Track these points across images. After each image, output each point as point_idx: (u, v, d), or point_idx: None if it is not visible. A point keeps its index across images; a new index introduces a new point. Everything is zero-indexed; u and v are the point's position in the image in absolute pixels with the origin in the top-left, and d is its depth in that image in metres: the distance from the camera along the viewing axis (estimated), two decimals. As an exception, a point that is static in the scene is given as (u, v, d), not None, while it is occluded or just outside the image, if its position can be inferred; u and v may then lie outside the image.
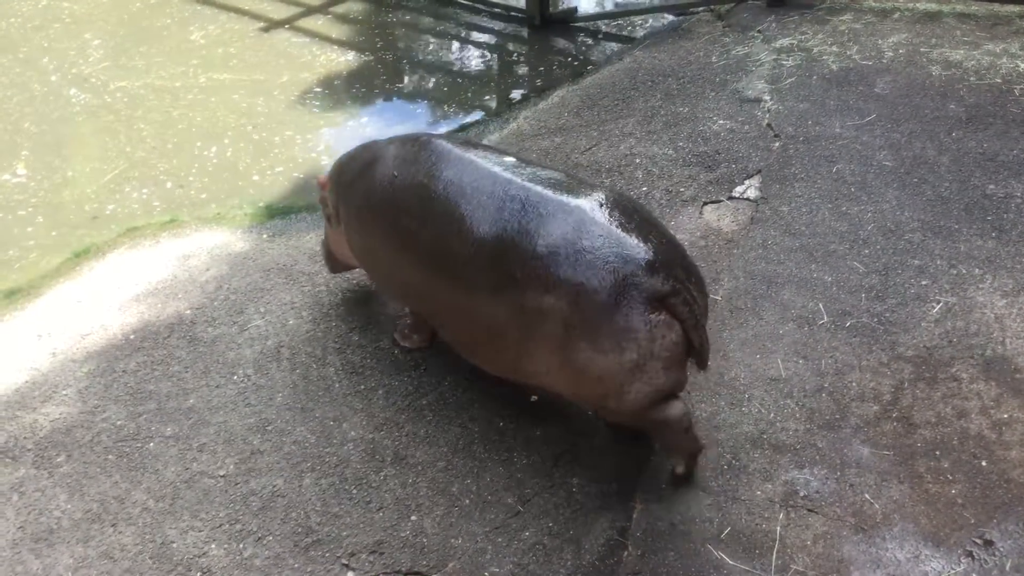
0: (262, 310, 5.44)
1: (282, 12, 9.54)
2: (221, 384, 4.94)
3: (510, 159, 4.33)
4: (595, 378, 3.83)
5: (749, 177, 6.29)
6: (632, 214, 3.92)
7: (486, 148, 4.52)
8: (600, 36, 9.01)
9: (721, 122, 6.93)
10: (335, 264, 5.37)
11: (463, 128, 7.57)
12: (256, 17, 9.47)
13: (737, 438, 4.39)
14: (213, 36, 9.11)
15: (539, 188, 4.00)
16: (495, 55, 8.91)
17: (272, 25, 9.29)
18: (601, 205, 3.89)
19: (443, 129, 7.61)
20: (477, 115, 7.80)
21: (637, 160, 6.56)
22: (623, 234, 3.79)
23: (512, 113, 7.63)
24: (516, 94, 8.11)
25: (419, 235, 4.25)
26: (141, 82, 8.29)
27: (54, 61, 8.76)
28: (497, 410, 4.64)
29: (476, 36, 9.21)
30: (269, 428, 4.66)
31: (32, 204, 6.78)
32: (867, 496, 4.06)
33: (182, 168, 7.13)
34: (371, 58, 8.72)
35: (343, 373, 4.95)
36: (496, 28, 9.24)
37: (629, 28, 9.12)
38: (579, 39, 8.94)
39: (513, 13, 9.34)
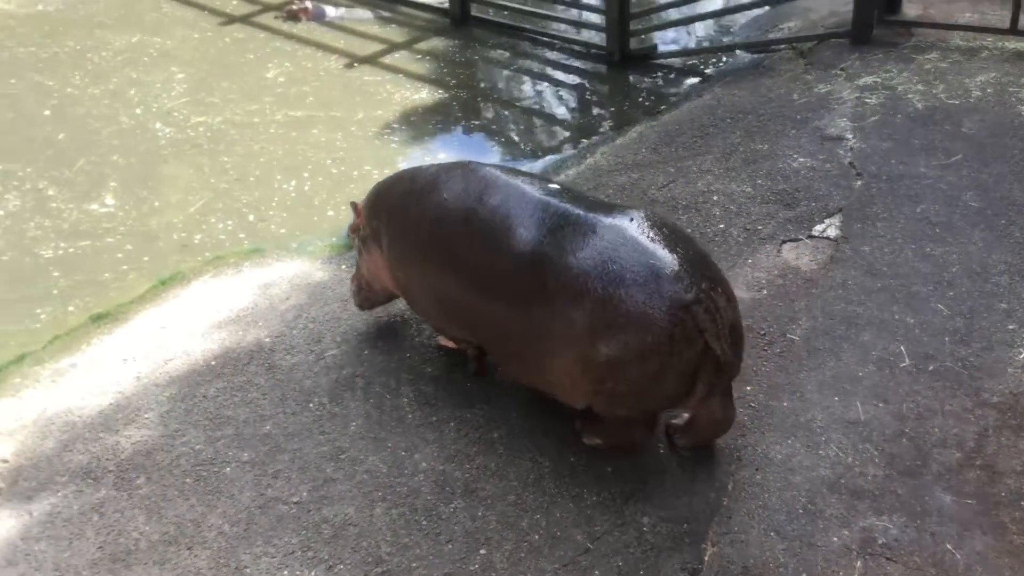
0: (338, 339, 5.52)
1: (366, 49, 9.74)
2: (297, 411, 5.02)
3: (553, 185, 4.61)
4: (615, 385, 4.03)
5: (830, 216, 6.20)
6: (660, 229, 4.12)
7: (529, 175, 4.81)
8: (680, 73, 9.00)
9: (802, 160, 6.85)
10: (369, 296, 5.43)
11: (540, 162, 7.61)
12: (336, 53, 9.68)
13: (813, 482, 4.29)
14: (288, 73, 9.34)
15: (574, 208, 4.26)
16: (573, 91, 8.96)
17: (348, 62, 9.49)
18: (631, 221, 4.12)
19: (522, 164, 7.65)
20: (554, 150, 7.84)
21: (714, 197, 6.51)
22: (649, 247, 4.00)
23: (589, 149, 7.65)
24: (593, 130, 8.14)
25: (465, 256, 4.50)
26: (220, 117, 8.54)
27: (140, 94, 9.09)
28: (568, 445, 4.62)
29: (554, 72, 9.27)
30: (342, 456, 4.71)
31: (120, 232, 7.01)
32: (948, 546, 3.93)
33: (263, 200, 7.31)
34: (448, 94, 8.84)
35: (416, 404, 4.99)
36: (574, 65, 9.30)
37: (709, 65, 9.10)
38: (658, 75, 8.94)
39: (593, 50, 9.39)
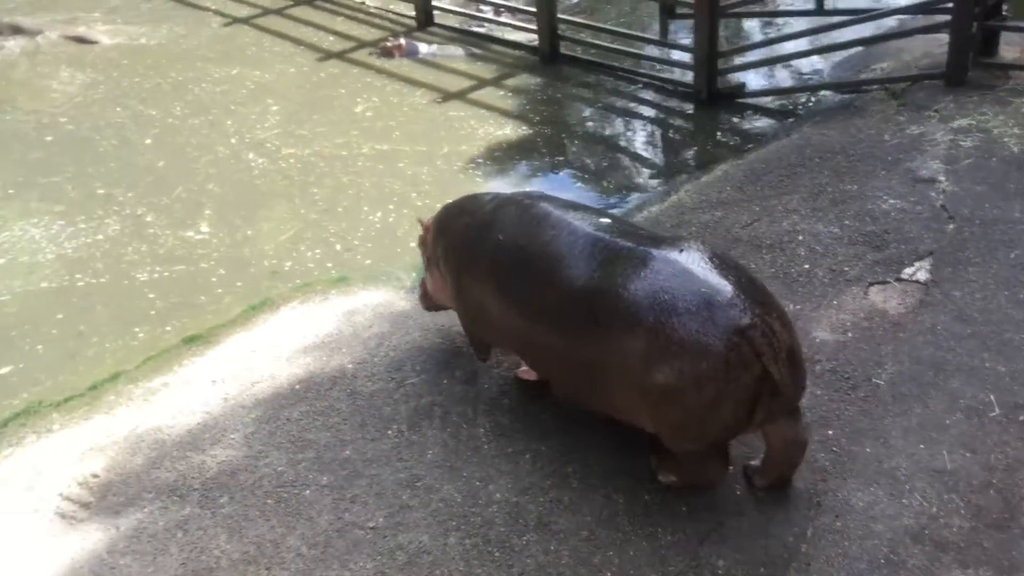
0: (418, 368, 5.60)
1: (455, 85, 9.92)
2: (376, 438, 5.10)
3: (604, 220, 4.69)
4: (674, 413, 4.05)
5: (920, 259, 6.07)
6: (711, 258, 4.16)
7: (585, 208, 4.92)
8: (767, 112, 8.94)
9: (892, 201, 6.74)
10: (430, 304, 5.74)
11: (623, 199, 7.63)
12: (424, 88, 9.87)
13: (896, 531, 4.18)
14: (376, 108, 9.56)
15: (624, 242, 4.35)
16: (659, 128, 8.98)
17: (436, 98, 9.66)
18: (681, 252, 4.18)
19: (604, 201, 7.68)
20: (638, 187, 7.85)
21: (800, 237, 6.44)
22: (700, 276, 4.04)
23: (673, 186, 7.65)
24: (678, 167, 8.13)
25: (521, 291, 4.63)
26: (309, 150, 8.78)
27: (236, 125, 9.41)
28: (643, 482, 4.59)
29: (641, 109, 9.30)
30: (418, 484, 4.76)
31: (213, 259, 7.25)
32: (1039, 604, 3.79)
33: (350, 231, 7.48)
34: (533, 130, 8.92)
35: (492, 434, 5.03)
36: (661, 102, 9.32)
37: (798, 105, 9.02)
38: (746, 114, 8.90)
39: (680, 88, 9.40)
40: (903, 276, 5.94)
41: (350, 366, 5.70)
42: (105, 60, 11.28)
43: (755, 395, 3.94)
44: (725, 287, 3.99)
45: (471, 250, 5.00)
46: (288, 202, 7.96)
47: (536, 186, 7.93)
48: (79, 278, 7.11)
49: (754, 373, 3.89)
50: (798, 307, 5.73)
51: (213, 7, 12.65)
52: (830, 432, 4.76)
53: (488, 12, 11.46)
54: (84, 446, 5.31)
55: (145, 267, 7.17)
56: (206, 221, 7.75)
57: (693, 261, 4.12)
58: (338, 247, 7.28)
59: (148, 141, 9.19)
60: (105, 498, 4.92)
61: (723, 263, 4.17)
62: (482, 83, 9.94)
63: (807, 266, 6.14)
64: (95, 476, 5.07)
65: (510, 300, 4.69)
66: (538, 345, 4.63)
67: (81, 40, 12.01)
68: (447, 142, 8.76)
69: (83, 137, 9.34)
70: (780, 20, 10.78)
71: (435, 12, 11.54)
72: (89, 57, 11.37)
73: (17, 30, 12.48)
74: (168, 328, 6.46)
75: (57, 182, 8.51)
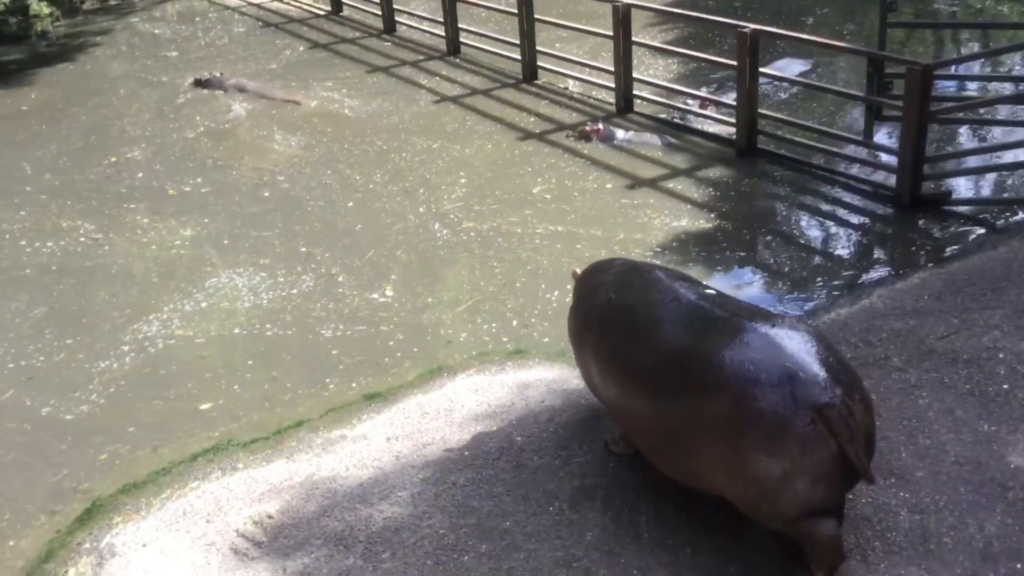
0: (585, 448, 5.60)
1: (647, 172, 9.99)
2: (537, 512, 5.12)
3: (710, 291, 4.93)
4: (749, 482, 4.13)
5: None
6: (801, 335, 4.28)
7: (690, 280, 5.14)
8: (973, 222, 8.52)
9: (1107, 326, 6.27)
10: None
11: (809, 300, 7.42)
12: (613, 173, 9.99)
13: None
14: (551, 189, 9.74)
15: (721, 312, 4.54)
16: (854, 230, 8.70)
17: (625, 184, 9.75)
18: (773, 326, 4.31)
19: (787, 301, 7.49)
20: (826, 288, 7.60)
21: (1000, 355, 6.07)
22: (787, 350, 4.15)
23: (865, 290, 7.37)
24: (872, 271, 7.83)
25: (622, 351, 4.85)
26: (487, 225, 9.03)
27: (427, 194, 9.84)
28: (809, 594, 4.39)
29: (836, 210, 9.05)
30: (575, 565, 4.73)
31: (394, 322, 7.53)
32: None
33: (527, 307, 7.61)
34: (718, 223, 8.80)
35: (654, 523, 4.95)
36: (859, 204, 9.04)
37: (1007, 217, 8.55)
38: (949, 222, 8.51)
39: (881, 191, 9.11)
40: (1116, 407, 5.49)
41: (518, 438, 5.77)
42: (322, 125, 12.08)
43: (831, 475, 4.03)
44: (810, 364, 4.10)
45: (587, 304, 5.32)
46: (469, 274, 8.21)
47: (716, 279, 7.82)
48: (268, 328, 7.56)
49: (829, 451, 3.98)
50: (993, 428, 5.39)
51: (427, 85, 13.35)
52: (1018, 565, 4.41)
53: (689, 103, 11.54)
54: (263, 487, 5.60)
55: (330, 324, 7.54)
56: (391, 286, 8.08)
57: (784, 336, 4.24)
58: (514, 323, 7.42)
59: (350, 204, 9.73)
60: (277, 539, 5.15)
61: (814, 341, 4.27)
62: (673, 172, 9.95)
63: (1006, 386, 5.77)
64: (270, 517, 5.32)
65: (611, 356, 4.94)
66: (631, 404, 4.78)
67: (303, 106, 12.97)
68: (623, 229, 8.72)
69: (295, 196, 10.00)
70: (993, 128, 10.33)
71: (635, 100, 11.74)
72: (309, 122, 12.22)
73: (241, 89, 13.62)
74: (354, 384, 6.75)
75: (267, 236, 9.13)
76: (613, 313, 5.03)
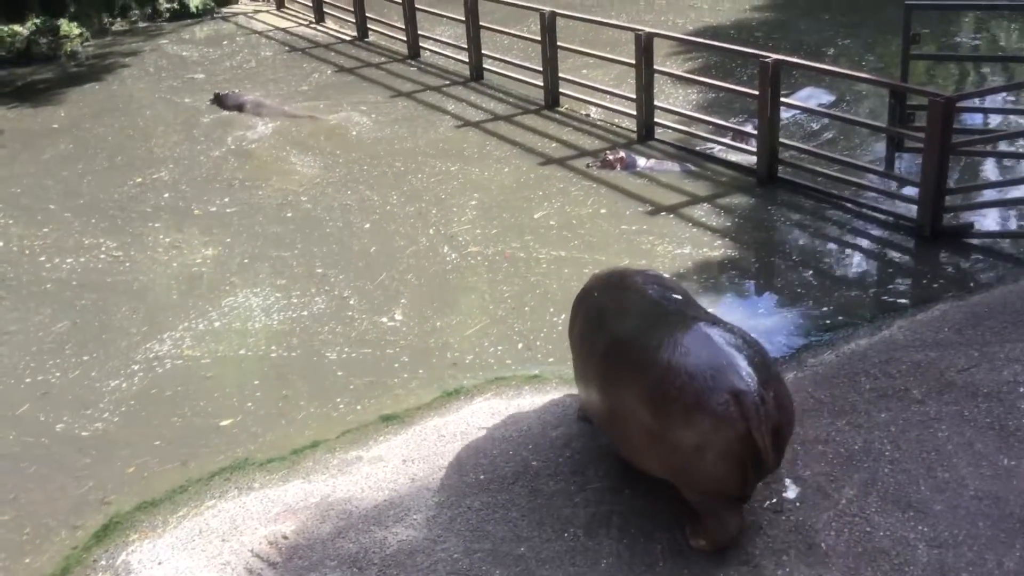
0: (601, 474, 5.59)
1: (667, 199, 10.01)
2: (552, 538, 5.11)
3: (676, 295, 5.40)
4: (669, 452, 4.64)
5: None
6: (736, 338, 4.77)
7: (667, 286, 5.55)
8: (995, 255, 8.48)
9: None
10: None
11: (828, 329, 7.39)
12: (636, 200, 10.01)
13: None
14: (564, 213, 9.76)
15: (674, 310, 5.10)
16: (874, 261, 8.67)
17: (647, 209, 9.77)
18: (714, 326, 4.84)
19: (805, 330, 7.46)
20: (845, 318, 7.56)
21: (1021, 389, 6.03)
22: (719, 345, 4.66)
23: (886, 321, 7.34)
24: (892, 303, 7.79)
25: (588, 337, 5.46)
26: (491, 249, 9.05)
27: (438, 215, 9.90)
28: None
29: (856, 240, 9.03)
30: (589, 592, 4.71)
31: (400, 345, 7.54)
32: None
33: (534, 331, 7.61)
34: (730, 252, 8.79)
35: (669, 552, 4.92)
36: (879, 235, 9.01)
37: (1030, 249, 8.51)
38: (971, 255, 8.47)
39: (902, 222, 9.09)
40: None
41: (534, 463, 5.77)
42: (346, 146, 12.21)
43: (739, 455, 4.45)
44: (735, 358, 4.59)
45: (577, 302, 5.90)
46: (478, 298, 8.22)
47: (727, 307, 7.79)
48: (273, 350, 7.58)
49: (738, 433, 4.42)
50: (1013, 463, 5.34)
51: (450, 109, 13.46)
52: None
53: (713, 134, 11.56)
54: (279, 507, 5.61)
55: (335, 347, 7.55)
56: (400, 310, 8.09)
57: (719, 335, 4.74)
58: (520, 346, 7.41)
59: (367, 226, 9.79)
60: (291, 560, 5.16)
61: (745, 344, 4.75)
62: (693, 200, 9.95)
63: (1027, 421, 5.72)
64: (285, 537, 5.33)
65: (580, 342, 5.60)
66: (588, 383, 5.40)
67: (318, 122, 13.22)
68: (628, 255, 8.71)
69: (316, 217, 10.07)
70: (1015, 160, 10.30)
71: (656, 127, 11.78)
72: (332, 143, 12.35)
73: (258, 105, 13.86)
74: (358, 406, 6.76)
75: (286, 257, 9.20)
76: (592, 309, 5.61)
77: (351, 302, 8.27)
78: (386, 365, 7.28)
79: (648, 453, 4.82)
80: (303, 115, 13.51)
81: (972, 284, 7.90)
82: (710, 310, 7.58)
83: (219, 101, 14.18)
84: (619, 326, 5.19)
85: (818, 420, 5.95)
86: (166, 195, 10.98)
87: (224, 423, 6.69)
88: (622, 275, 5.80)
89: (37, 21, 18.54)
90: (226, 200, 10.70)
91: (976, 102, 11.28)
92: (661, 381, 4.63)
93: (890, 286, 8.13)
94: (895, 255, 8.70)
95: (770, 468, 4.61)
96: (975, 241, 8.70)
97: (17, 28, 18.22)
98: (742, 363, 4.57)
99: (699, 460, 4.53)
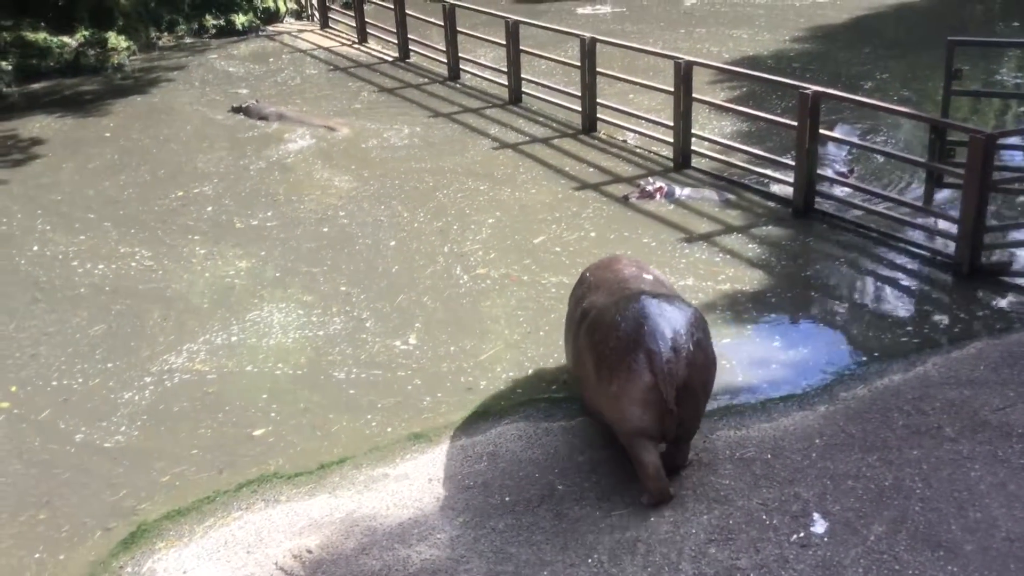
0: (628, 501, 5.57)
1: (702, 227, 9.97)
2: (575, 563, 5.08)
3: (648, 276, 6.33)
4: (603, 399, 5.60)
5: None
6: (682, 314, 5.57)
7: (641, 267, 6.50)
8: (1034, 293, 8.36)
9: None
10: None
11: (860, 364, 7.30)
12: (673, 228, 9.98)
13: None
14: (551, 239, 9.74)
15: (639, 289, 5.92)
16: (910, 297, 8.58)
17: (681, 237, 9.73)
18: (667, 303, 5.63)
19: (836, 364, 7.37)
20: (879, 353, 7.47)
21: (1057, 431, 5.94)
22: (658, 317, 5.48)
23: (920, 357, 7.23)
24: (927, 339, 7.69)
25: (572, 310, 6.41)
26: (498, 273, 9.04)
27: (456, 233, 9.94)
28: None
29: (892, 274, 8.94)
30: (611, 619, 4.68)
31: (412, 368, 7.49)
32: None
33: (547, 356, 7.55)
34: (764, 283, 8.73)
35: (694, 583, 4.88)
36: (916, 270, 8.93)
37: (1070, 290, 8.38)
38: (1007, 293, 8.36)
39: (939, 258, 8.99)
40: None
41: (560, 487, 5.75)
42: (382, 163, 12.33)
43: (649, 402, 5.32)
44: (664, 328, 5.40)
45: (576, 285, 6.70)
46: (494, 323, 8.14)
47: (763, 339, 7.73)
48: (280, 367, 7.58)
49: (646, 382, 5.29)
50: (1047, 506, 5.25)
51: (487, 131, 13.54)
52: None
53: (747, 161, 11.53)
54: (304, 521, 5.64)
55: (343, 367, 7.52)
56: (415, 334, 8.04)
57: (665, 309, 5.55)
58: (530, 371, 7.34)
59: (392, 243, 9.82)
60: (315, 574, 5.17)
61: (687, 321, 5.54)
62: (727, 229, 9.88)
63: (1063, 463, 5.63)
64: (309, 552, 5.35)
65: (569, 319, 6.45)
66: (570, 348, 6.30)
67: (338, 132, 13.53)
68: (690, 277, 8.74)
69: (349, 233, 10.15)
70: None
71: (693, 155, 11.77)
72: (370, 158, 12.47)
73: (281, 116, 14.16)
74: (388, 428, 6.73)
75: (315, 273, 9.25)
76: (581, 288, 6.49)
77: (368, 324, 8.18)
78: (397, 387, 7.21)
79: (594, 401, 5.76)
80: (322, 124, 13.98)
81: (1009, 323, 7.80)
82: (741, 338, 7.66)
83: (239, 112, 14.56)
84: (592, 298, 6.11)
85: (848, 455, 5.89)
86: (208, 208, 11.10)
87: (257, 432, 6.73)
88: (611, 260, 6.74)
89: (86, 33, 18.90)
90: (269, 214, 10.81)
91: (1017, 140, 11.17)
92: (604, 341, 5.58)
93: (926, 322, 8.04)
94: (932, 291, 8.60)
95: (681, 417, 5.40)
96: (1013, 280, 8.60)
97: (66, 40, 18.58)
98: (663, 329, 5.38)
99: (620, 405, 5.43)
